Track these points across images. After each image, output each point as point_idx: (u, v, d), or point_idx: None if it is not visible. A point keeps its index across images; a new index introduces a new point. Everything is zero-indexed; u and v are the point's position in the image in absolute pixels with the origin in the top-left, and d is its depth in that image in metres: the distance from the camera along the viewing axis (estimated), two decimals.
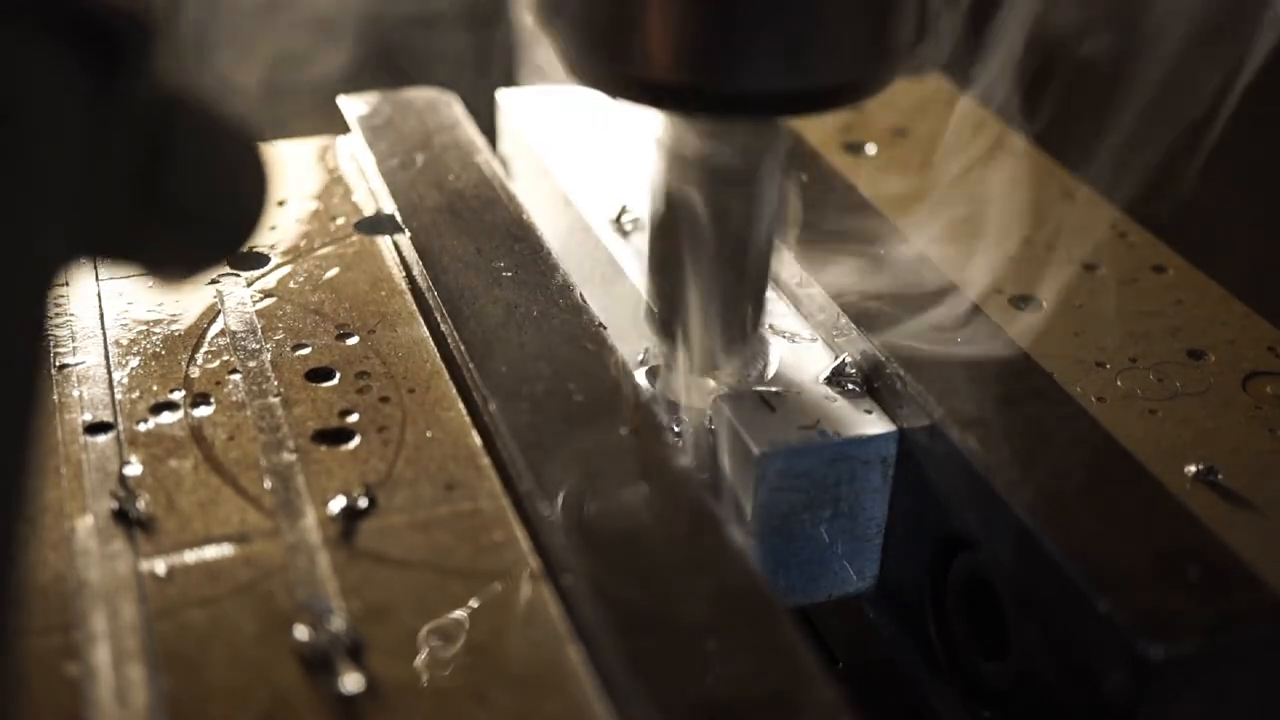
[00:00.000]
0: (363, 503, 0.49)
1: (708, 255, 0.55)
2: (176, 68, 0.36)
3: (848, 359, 0.58)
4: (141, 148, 0.35)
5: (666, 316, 0.57)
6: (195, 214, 0.38)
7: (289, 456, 0.51)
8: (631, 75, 0.50)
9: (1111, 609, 0.45)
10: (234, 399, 0.54)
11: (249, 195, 0.39)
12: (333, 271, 0.62)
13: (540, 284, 0.59)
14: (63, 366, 0.55)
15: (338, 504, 0.49)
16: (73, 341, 0.57)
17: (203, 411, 0.53)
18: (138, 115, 0.35)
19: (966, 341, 0.57)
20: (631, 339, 0.61)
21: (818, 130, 0.76)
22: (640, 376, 0.58)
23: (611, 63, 0.50)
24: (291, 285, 0.61)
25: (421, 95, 0.73)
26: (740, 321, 0.57)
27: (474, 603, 0.45)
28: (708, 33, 0.48)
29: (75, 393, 0.54)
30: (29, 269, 0.33)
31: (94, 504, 0.49)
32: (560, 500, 0.47)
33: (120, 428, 0.52)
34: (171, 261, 0.40)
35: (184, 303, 0.59)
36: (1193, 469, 0.53)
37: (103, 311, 0.58)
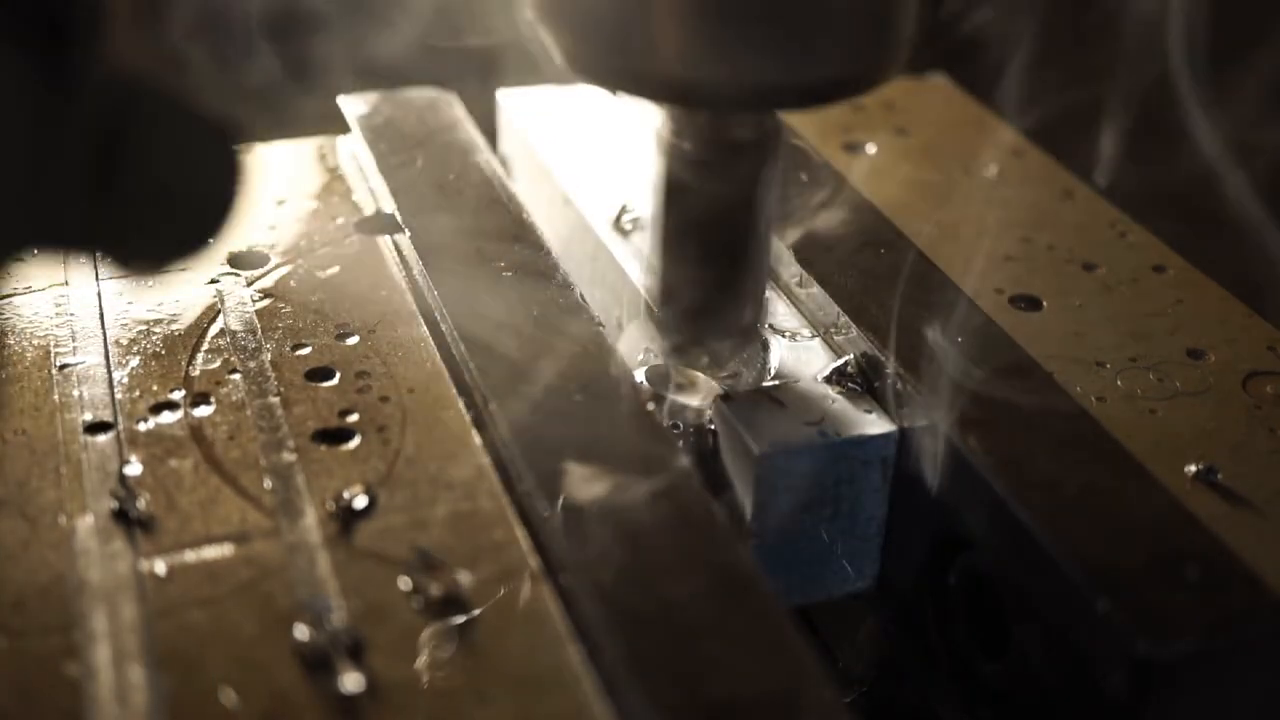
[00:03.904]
0: (362, 502, 0.49)
1: (706, 245, 0.55)
2: (140, 54, 0.35)
3: (849, 359, 0.58)
4: (97, 137, 0.35)
5: (665, 307, 0.58)
6: (158, 206, 0.38)
7: (289, 456, 0.51)
8: (631, 69, 0.50)
9: (1111, 609, 0.45)
10: (234, 399, 0.54)
11: (217, 187, 0.39)
12: (333, 271, 0.62)
13: (540, 283, 0.59)
14: (63, 366, 0.55)
15: (338, 503, 0.49)
16: (73, 341, 0.57)
17: (203, 411, 0.53)
18: (93, 103, 0.34)
19: None
20: (631, 338, 0.61)
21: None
22: (640, 376, 0.58)
23: (611, 57, 0.50)
24: (292, 285, 0.61)
25: (421, 95, 0.73)
26: (739, 312, 0.57)
27: (474, 603, 0.45)
28: (708, 25, 0.48)
29: (75, 392, 0.54)
30: None
31: (94, 504, 0.49)
32: (560, 501, 0.47)
33: (120, 427, 0.52)
34: (135, 254, 0.40)
35: (184, 302, 0.59)
36: (1193, 469, 0.53)
37: (103, 311, 0.58)
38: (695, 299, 0.57)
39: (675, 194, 0.55)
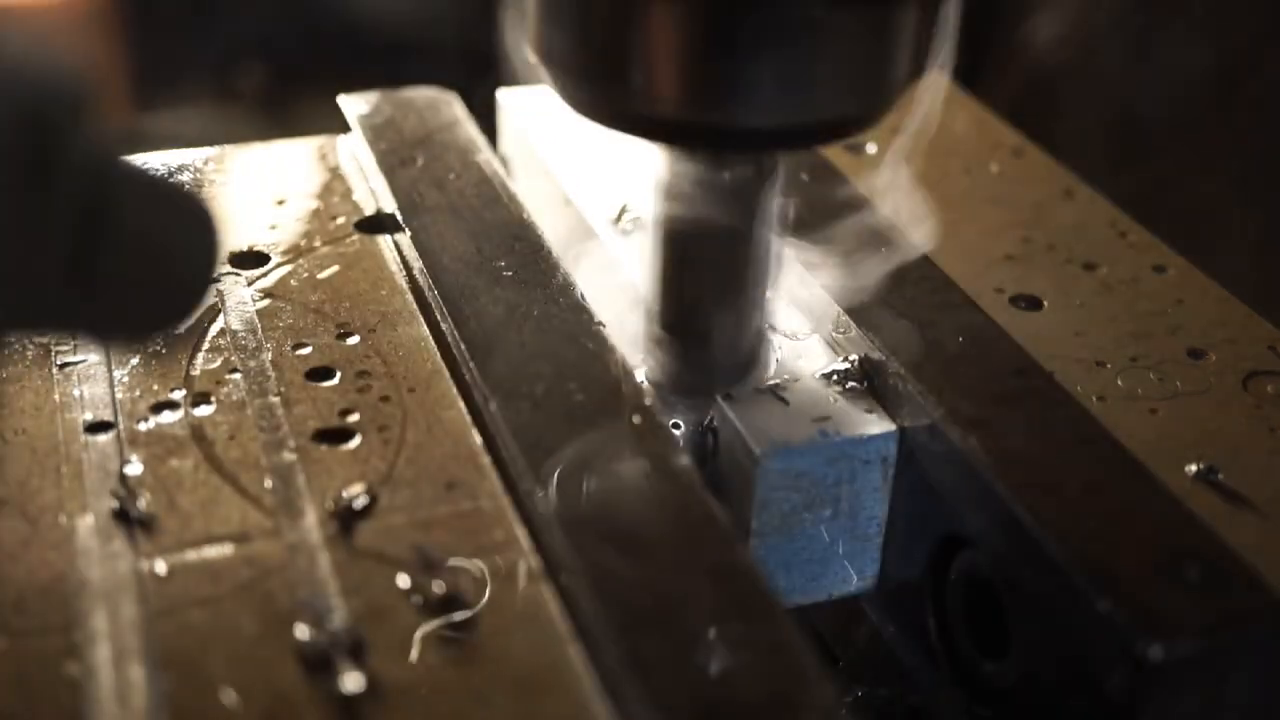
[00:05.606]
0: (363, 502, 0.49)
1: (704, 286, 0.56)
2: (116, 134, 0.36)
3: (850, 358, 0.58)
4: (77, 216, 0.35)
5: (663, 349, 0.58)
6: (136, 282, 0.38)
7: (289, 456, 0.51)
8: (631, 111, 0.50)
9: (1111, 609, 0.45)
10: (234, 398, 0.54)
11: (192, 261, 0.39)
12: (333, 270, 0.62)
13: (540, 283, 0.59)
14: (63, 365, 0.55)
15: (338, 503, 0.49)
16: (73, 340, 0.57)
17: (203, 411, 0.53)
18: (72, 183, 0.35)
19: None
20: (632, 338, 0.61)
21: None
22: (640, 376, 0.58)
23: (611, 99, 0.50)
24: (292, 284, 0.61)
25: (421, 95, 0.73)
26: (741, 346, 0.57)
27: (474, 602, 0.45)
28: (706, 69, 0.48)
29: (76, 392, 0.54)
30: None
31: (94, 503, 0.49)
32: (559, 500, 0.47)
33: (121, 427, 0.52)
34: (115, 330, 0.40)
35: None
36: (1193, 469, 0.53)
37: None
38: (695, 345, 0.57)
39: (674, 235, 0.55)
